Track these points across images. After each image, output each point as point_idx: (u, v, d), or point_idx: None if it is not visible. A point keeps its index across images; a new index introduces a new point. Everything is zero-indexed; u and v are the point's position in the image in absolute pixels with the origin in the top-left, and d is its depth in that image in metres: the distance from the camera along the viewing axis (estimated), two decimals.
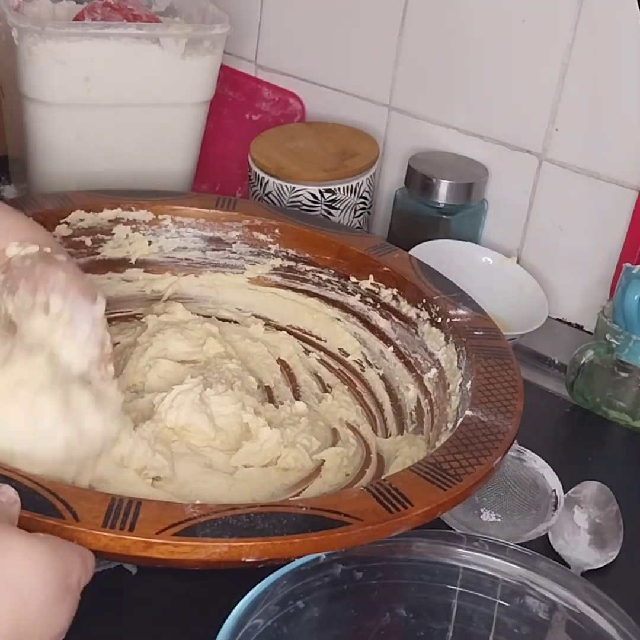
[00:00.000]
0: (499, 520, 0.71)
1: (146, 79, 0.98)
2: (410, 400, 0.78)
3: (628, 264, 0.85)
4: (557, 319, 1.01)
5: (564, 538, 0.72)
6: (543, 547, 0.70)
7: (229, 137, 1.16)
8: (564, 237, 1.00)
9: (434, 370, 0.76)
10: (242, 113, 1.18)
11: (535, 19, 0.95)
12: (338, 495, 0.57)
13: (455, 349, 0.74)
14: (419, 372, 0.78)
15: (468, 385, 0.69)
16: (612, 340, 0.84)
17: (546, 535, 0.71)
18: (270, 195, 1.00)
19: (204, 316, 0.87)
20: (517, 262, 1.01)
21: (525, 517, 0.71)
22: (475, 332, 0.74)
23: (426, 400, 0.76)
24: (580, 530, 0.73)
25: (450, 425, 0.69)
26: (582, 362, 0.85)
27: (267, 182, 1.00)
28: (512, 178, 1.02)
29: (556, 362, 0.92)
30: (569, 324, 1.00)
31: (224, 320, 0.88)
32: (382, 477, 0.61)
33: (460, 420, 0.65)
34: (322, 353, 0.86)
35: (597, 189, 0.96)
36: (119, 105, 0.99)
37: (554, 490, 0.72)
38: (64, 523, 0.51)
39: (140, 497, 0.53)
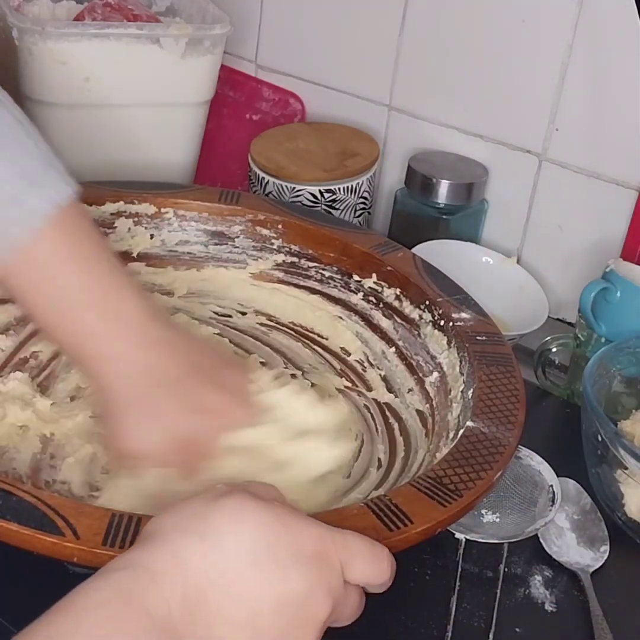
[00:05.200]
0: (497, 520, 0.71)
1: (146, 79, 0.98)
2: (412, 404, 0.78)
3: (611, 260, 0.86)
4: (557, 319, 1.02)
5: (555, 543, 0.72)
6: (542, 551, 0.71)
7: (229, 137, 1.16)
8: (564, 237, 1.01)
9: (435, 374, 0.76)
10: (242, 113, 1.18)
11: (535, 19, 0.95)
12: (338, 512, 0.56)
13: (458, 354, 0.74)
14: (420, 375, 0.78)
15: (470, 394, 0.69)
16: (579, 335, 0.86)
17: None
18: (270, 196, 1.00)
19: (205, 318, 0.87)
20: (517, 262, 1.01)
21: (525, 515, 0.71)
22: (478, 337, 0.74)
23: (428, 405, 0.75)
24: (565, 530, 0.73)
25: (451, 434, 0.68)
26: (541, 351, 0.89)
27: (267, 182, 1.00)
28: (512, 178, 1.02)
29: (556, 362, 0.92)
30: (569, 323, 1.00)
31: (223, 316, 0.88)
32: (383, 493, 0.60)
33: (461, 431, 0.65)
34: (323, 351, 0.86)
35: (597, 189, 0.96)
36: (119, 105, 0.99)
37: (551, 486, 0.72)
38: (64, 541, 0.50)
39: (139, 513, 0.53)
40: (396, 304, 0.82)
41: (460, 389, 0.71)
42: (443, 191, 1.00)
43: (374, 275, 0.83)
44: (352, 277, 0.85)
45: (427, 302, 0.79)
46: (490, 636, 0.64)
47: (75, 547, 0.50)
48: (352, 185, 1.01)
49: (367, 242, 0.85)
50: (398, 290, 0.82)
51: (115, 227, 0.85)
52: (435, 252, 0.92)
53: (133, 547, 0.46)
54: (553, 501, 0.71)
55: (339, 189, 1.00)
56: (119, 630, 0.40)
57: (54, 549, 0.50)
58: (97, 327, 0.60)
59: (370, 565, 0.48)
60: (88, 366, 0.62)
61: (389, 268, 0.82)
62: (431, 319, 0.78)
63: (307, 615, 0.44)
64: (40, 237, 0.58)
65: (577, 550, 0.72)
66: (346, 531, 0.48)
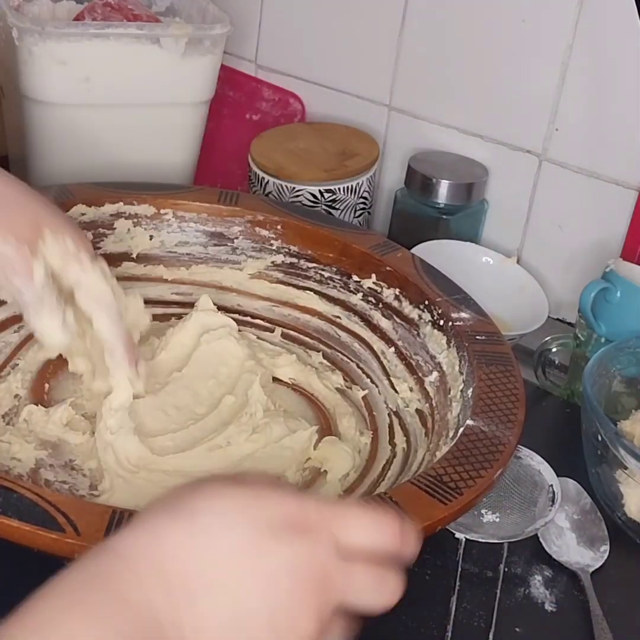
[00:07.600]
0: (497, 520, 0.71)
1: (146, 79, 0.98)
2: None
3: (611, 260, 0.86)
4: (557, 319, 1.01)
5: (555, 543, 0.72)
6: (542, 550, 0.71)
7: (229, 137, 1.16)
8: (564, 237, 1.01)
9: (435, 374, 0.76)
10: (242, 113, 1.18)
11: (535, 19, 0.95)
12: None
13: (457, 353, 0.74)
14: (420, 374, 0.78)
15: (469, 393, 0.69)
16: (579, 335, 0.86)
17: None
18: (270, 196, 1.00)
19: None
20: (517, 262, 1.01)
21: (525, 515, 0.71)
22: (477, 337, 0.74)
23: (427, 405, 0.75)
24: (565, 530, 0.73)
25: (451, 433, 0.68)
26: (541, 351, 0.89)
27: (267, 182, 1.00)
28: (512, 178, 1.02)
29: (556, 362, 0.92)
30: (569, 324, 1.00)
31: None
32: (383, 491, 0.60)
33: (461, 429, 0.65)
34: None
35: (597, 189, 0.96)
36: (119, 105, 0.99)
37: (551, 485, 0.72)
38: (65, 537, 0.50)
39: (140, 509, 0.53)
40: (395, 304, 0.82)
41: (460, 388, 0.71)
42: (443, 191, 1.00)
43: (374, 275, 0.83)
44: (351, 277, 0.85)
45: (427, 302, 0.79)
46: (490, 636, 0.64)
47: (76, 543, 0.50)
48: (352, 185, 1.01)
49: (366, 243, 0.85)
50: (397, 291, 0.82)
51: (115, 228, 0.85)
52: (435, 252, 0.92)
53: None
54: (553, 501, 0.71)
55: (339, 189, 1.00)
56: (89, 614, 0.39)
57: (54, 546, 0.50)
58: None
59: (369, 530, 0.45)
60: None
61: (388, 268, 0.82)
62: (430, 318, 0.78)
63: (295, 582, 0.43)
64: None
65: (577, 550, 0.72)
66: (340, 503, 0.46)
